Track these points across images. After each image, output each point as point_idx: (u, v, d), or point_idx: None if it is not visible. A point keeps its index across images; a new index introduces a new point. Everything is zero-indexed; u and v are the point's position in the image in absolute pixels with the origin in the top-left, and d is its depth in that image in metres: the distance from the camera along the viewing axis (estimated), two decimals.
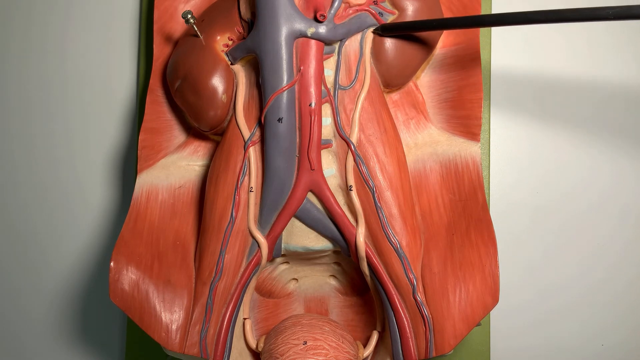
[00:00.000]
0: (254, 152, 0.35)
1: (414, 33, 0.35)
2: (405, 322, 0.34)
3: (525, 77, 0.44)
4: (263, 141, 0.34)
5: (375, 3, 0.35)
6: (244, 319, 0.37)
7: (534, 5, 0.44)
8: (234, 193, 0.35)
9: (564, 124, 0.44)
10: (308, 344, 0.34)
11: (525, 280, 0.43)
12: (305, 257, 0.37)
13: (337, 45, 0.35)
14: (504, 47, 0.44)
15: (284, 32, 0.33)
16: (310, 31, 0.33)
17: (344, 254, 0.36)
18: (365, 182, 0.34)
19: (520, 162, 0.44)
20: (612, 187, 0.43)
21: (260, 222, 0.35)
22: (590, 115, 0.44)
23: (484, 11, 0.42)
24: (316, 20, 0.33)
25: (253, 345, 0.36)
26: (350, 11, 0.35)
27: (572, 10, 0.27)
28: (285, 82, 0.33)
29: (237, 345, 0.36)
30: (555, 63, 0.44)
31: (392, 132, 0.35)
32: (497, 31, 0.44)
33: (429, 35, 0.36)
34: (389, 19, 0.36)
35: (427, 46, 0.37)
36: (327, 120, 0.34)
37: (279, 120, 0.33)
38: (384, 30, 0.35)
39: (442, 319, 0.33)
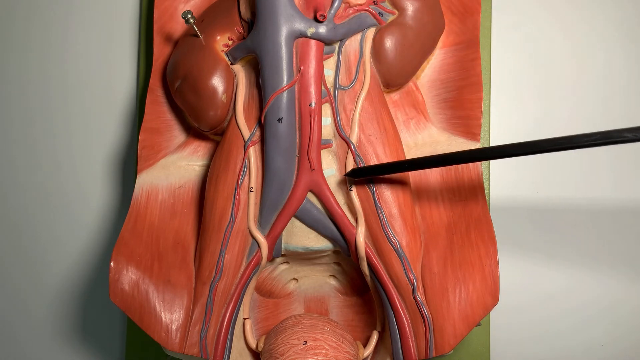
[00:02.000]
0: (254, 152, 0.35)
1: (384, 175, 0.33)
2: (405, 322, 0.34)
3: (525, 77, 0.44)
4: (263, 141, 0.34)
5: (375, 3, 0.35)
6: (244, 319, 0.37)
7: (534, 5, 0.44)
8: (234, 193, 0.35)
9: (563, 124, 0.44)
10: (308, 344, 0.34)
11: (525, 280, 0.43)
12: (305, 257, 0.37)
13: (337, 45, 0.35)
14: (504, 47, 0.44)
15: (284, 32, 0.33)
16: (310, 31, 0.33)
17: (344, 254, 0.36)
18: (365, 182, 0.34)
19: (520, 162, 0.44)
20: (612, 186, 0.43)
21: (260, 222, 0.35)
22: (590, 115, 0.44)
23: (483, 11, 0.42)
24: (316, 20, 0.33)
25: (253, 345, 0.36)
26: (350, 11, 0.35)
27: (564, 138, 0.26)
28: (285, 82, 0.33)
29: (237, 345, 0.36)
30: (555, 63, 0.44)
31: (392, 132, 0.35)
32: (497, 31, 0.44)
33: (429, 35, 0.36)
34: (389, 18, 0.36)
35: (427, 46, 0.37)
36: (327, 120, 0.34)
37: (279, 120, 0.33)
38: (354, 175, 0.34)
39: (442, 319, 0.33)
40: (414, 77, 0.38)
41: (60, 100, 0.46)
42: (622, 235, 0.43)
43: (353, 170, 0.34)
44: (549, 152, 0.27)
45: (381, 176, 0.34)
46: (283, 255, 0.37)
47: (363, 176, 0.33)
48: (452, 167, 0.36)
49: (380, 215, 0.34)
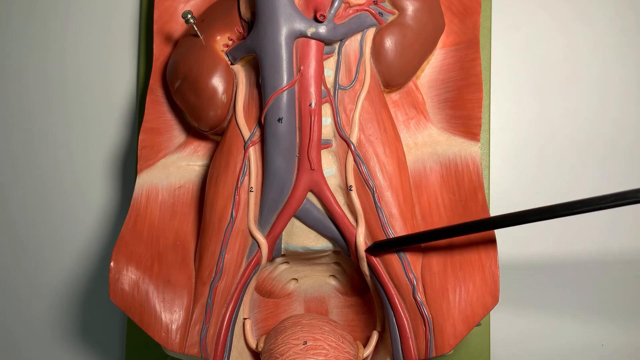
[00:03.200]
0: (254, 152, 0.35)
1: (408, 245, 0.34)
2: (405, 322, 0.34)
3: (525, 77, 0.44)
4: (263, 141, 0.34)
5: (375, 3, 0.35)
6: (244, 319, 0.37)
7: (534, 5, 0.44)
8: (234, 193, 0.35)
9: (563, 123, 0.44)
10: (308, 344, 0.34)
11: (525, 280, 0.43)
12: (305, 257, 0.37)
13: (337, 45, 0.35)
14: (504, 47, 0.44)
15: (284, 32, 0.33)
16: (310, 31, 0.33)
17: (344, 254, 0.36)
18: (365, 182, 0.34)
19: (520, 162, 0.44)
20: (612, 186, 0.43)
21: (260, 222, 0.35)
22: (590, 116, 0.44)
23: (483, 11, 0.42)
24: (316, 20, 0.33)
25: (253, 345, 0.36)
26: (350, 11, 0.35)
27: (562, 205, 0.27)
28: (285, 82, 0.33)
29: (237, 345, 0.36)
30: (555, 63, 0.44)
31: (392, 132, 0.35)
32: (497, 31, 0.44)
33: (428, 35, 0.36)
34: (389, 18, 0.36)
35: (427, 46, 0.37)
36: (327, 120, 0.34)
37: (279, 120, 0.33)
38: (375, 249, 0.34)
39: (442, 319, 0.33)
40: (414, 77, 0.38)
41: (60, 100, 0.46)
42: (622, 235, 0.43)
43: (375, 244, 0.34)
44: (564, 216, 0.27)
45: (380, 174, 0.34)
46: (283, 255, 0.37)
47: (384, 249, 0.34)
48: (452, 167, 0.36)
49: (380, 215, 0.34)
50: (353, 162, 0.34)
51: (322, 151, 0.34)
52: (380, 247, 0.34)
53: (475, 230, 0.30)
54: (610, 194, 0.26)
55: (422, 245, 0.35)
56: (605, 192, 0.43)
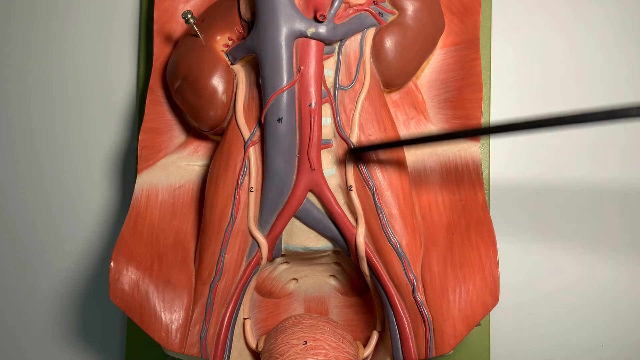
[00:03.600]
0: (254, 152, 0.35)
1: (387, 149, 0.34)
2: (405, 322, 0.34)
3: (525, 77, 0.44)
4: (263, 141, 0.34)
5: (375, 3, 0.35)
6: (244, 319, 0.37)
7: (534, 5, 0.44)
8: (234, 193, 0.35)
9: None
10: (308, 344, 0.34)
11: (525, 280, 0.43)
12: (305, 257, 0.37)
13: (337, 45, 0.35)
14: (504, 47, 0.44)
15: (284, 32, 0.33)
16: (310, 31, 0.33)
17: (344, 254, 0.36)
18: (365, 182, 0.34)
19: (520, 162, 0.44)
20: (612, 186, 0.43)
21: (260, 222, 0.35)
22: None
23: (483, 11, 0.42)
24: (316, 20, 0.33)
25: (253, 345, 0.36)
26: (350, 11, 0.35)
27: (563, 117, 0.26)
28: (285, 82, 0.33)
29: (237, 345, 0.36)
30: (555, 63, 0.44)
31: (392, 132, 0.35)
32: (497, 31, 0.44)
33: (428, 35, 0.36)
34: (389, 18, 0.36)
35: (427, 46, 0.37)
36: (327, 120, 0.34)
37: (279, 120, 0.33)
38: (354, 152, 0.34)
39: (442, 319, 0.33)
40: (414, 77, 0.38)
41: (60, 100, 0.46)
42: (622, 235, 0.43)
43: (357, 147, 0.34)
44: (552, 129, 0.27)
45: (380, 174, 0.34)
46: (283, 255, 0.37)
47: (365, 151, 0.34)
48: (452, 167, 0.36)
49: (380, 215, 0.34)
50: (353, 162, 0.34)
51: (322, 151, 0.34)
52: (362, 150, 0.34)
53: (461, 136, 0.29)
54: (602, 110, 0.25)
55: (422, 244, 0.35)
56: (605, 194, 0.43)
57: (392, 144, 0.32)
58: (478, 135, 0.29)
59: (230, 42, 0.36)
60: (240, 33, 0.36)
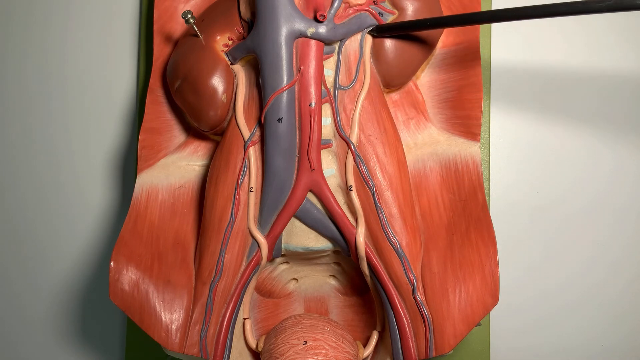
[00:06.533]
0: (254, 152, 0.35)
1: (410, 32, 0.35)
2: (405, 322, 0.34)
3: (525, 76, 0.44)
4: (263, 141, 0.34)
5: (375, 3, 0.35)
6: (244, 319, 0.37)
7: (533, 3, 0.44)
8: (234, 193, 0.35)
9: (564, 123, 0.44)
10: (308, 344, 0.34)
11: (525, 280, 0.43)
12: (305, 257, 0.37)
13: (337, 45, 0.35)
14: (504, 47, 0.44)
15: (284, 32, 0.33)
16: (310, 31, 0.33)
17: (344, 254, 0.36)
18: (365, 182, 0.34)
19: (520, 162, 0.44)
20: (612, 186, 0.43)
21: (260, 222, 0.35)
22: (591, 115, 0.44)
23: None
24: (316, 20, 0.33)
25: (253, 345, 0.36)
26: (350, 11, 0.35)
27: (566, 4, 0.28)
28: (285, 82, 0.33)
29: (237, 345, 0.36)
30: (555, 62, 0.44)
31: (392, 132, 0.35)
32: (497, 31, 0.44)
33: (428, 35, 0.36)
34: (389, 19, 0.36)
35: (427, 46, 0.37)
36: (327, 120, 0.34)
37: (279, 120, 0.33)
38: (379, 31, 0.35)
39: (442, 319, 0.33)
40: (414, 77, 0.38)
41: (60, 100, 0.46)
42: (622, 235, 0.43)
43: (378, 27, 0.35)
44: (558, 15, 0.28)
45: (380, 174, 0.34)
46: (283, 255, 0.37)
47: (387, 32, 0.34)
48: (452, 167, 0.36)
49: (380, 215, 0.34)
50: (353, 162, 0.34)
51: (322, 151, 0.34)
52: (384, 29, 0.34)
53: (473, 22, 0.31)
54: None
55: (422, 244, 0.35)
56: (605, 194, 0.43)
57: (412, 25, 0.33)
58: (472, 24, 0.31)
59: (230, 42, 0.36)
60: (240, 33, 0.36)
